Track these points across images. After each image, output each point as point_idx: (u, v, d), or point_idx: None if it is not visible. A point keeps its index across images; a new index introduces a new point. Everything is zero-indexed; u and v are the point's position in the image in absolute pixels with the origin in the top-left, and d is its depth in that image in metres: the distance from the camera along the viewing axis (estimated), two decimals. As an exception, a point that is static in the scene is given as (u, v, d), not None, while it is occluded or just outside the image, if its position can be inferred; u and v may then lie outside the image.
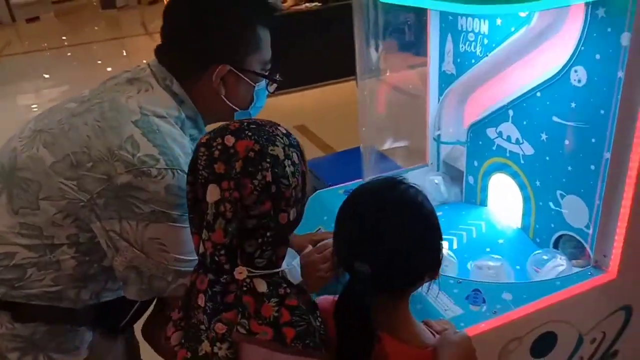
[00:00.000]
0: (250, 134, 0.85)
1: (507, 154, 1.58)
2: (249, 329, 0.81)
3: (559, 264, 1.35)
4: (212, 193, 0.83)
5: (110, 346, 1.27)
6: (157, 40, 1.22)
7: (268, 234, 0.84)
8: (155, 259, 1.08)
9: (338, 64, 4.81)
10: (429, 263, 0.93)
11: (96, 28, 10.32)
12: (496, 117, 1.58)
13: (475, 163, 1.73)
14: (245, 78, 1.18)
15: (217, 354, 0.83)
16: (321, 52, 5.16)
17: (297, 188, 0.87)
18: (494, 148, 1.63)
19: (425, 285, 0.99)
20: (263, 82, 1.22)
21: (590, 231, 1.34)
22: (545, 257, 1.38)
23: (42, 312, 1.13)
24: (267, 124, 0.90)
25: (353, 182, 1.81)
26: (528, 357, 1.29)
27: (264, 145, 0.84)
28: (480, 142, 1.68)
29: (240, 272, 0.84)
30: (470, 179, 1.78)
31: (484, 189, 1.73)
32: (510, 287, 1.29)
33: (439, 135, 1.84)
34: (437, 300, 1.26)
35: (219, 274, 0.85)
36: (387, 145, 1.79)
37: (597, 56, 1.22)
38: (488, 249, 1.55)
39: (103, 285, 1.18)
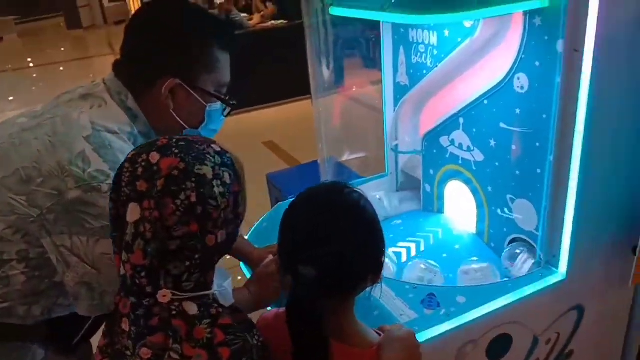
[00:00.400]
0: (177, 151, 0.82)
1: (460, 161, 1.61)
2: (181, 354, 0.79)
3: (483, 269, 1.39)
4: (133, 212, 0.80)
5: None
6: None
7: (196, 256, 0.81)
8: (107, 275, 1.07)
9: (307, 80, 4.87)
10: (371, 266, 0.95)
11: (62, 49, 10.21)
12: (448, 125, 1.62)
13: (431, 171, 1.77)
14: (196, 95, 1.18)
15: None
16: (290, 68, 5.19)
17: (228, 209, 0.84)
18: (447, 156, 1.66)
19: (379, 288, 1.00)
20: (218, 105, 1.23)
21: (540, 233, 1.37)
22: (474, 266, 1.41)
23: None
24: (199, 141, 0.86)
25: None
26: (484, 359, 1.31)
27: (189, 163, 0.80)
28: (435, 151, 1.71)
29: (164, 296, 0.81)
30: (427, 187, 1.81)
31: (440, 196, 1.76)
32: (464, 290, 1.31)
33: (396, 145, 1.87)
34: (393, 306, 1.27)
35: (141, 297, 0.82)
36: (346, 156, 1.81)
37: (537, 63, 1.26)
38: (445, 255, 1.58)
39: (54, 301, 1.16)
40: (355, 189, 0.97)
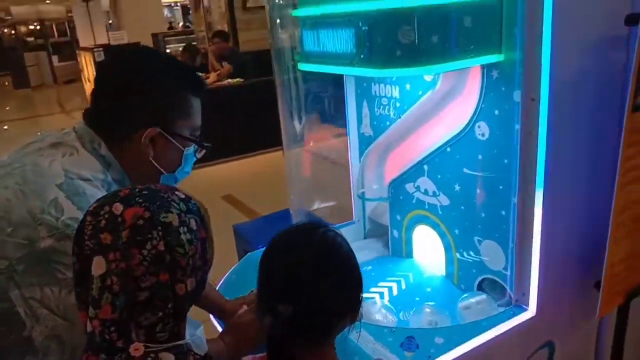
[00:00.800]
0: (141, 200, 0.81)
1: (426, 206, 1.68)
2: None
3: (482, 300, 1.43)
4: (98, 265, 0.78)
5: None
6: (76, 118, 1.22)
7: (169, 305, 0.80)
8: (79, 326, 1.03)
9: (263, 135, 4.95)
10: (350, 304, 0.96)
11: (7, 108, 9.95)
12: (413, 172, 1.69)
13: (398, 217, 1.82)
14: (175, 142, 1.20)
15: None
16: (245, 124, 5.29)
17: (196, 256, 0.83)
18: (413, 202, 1.72)
19: (357, 327, 1.01)
20: (191, 148, 1.25)
21: (508, 272, 1.43)
22: (472, 300, 1.45)
23: None
24: (162, 189, 0.86)
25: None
26: (464, 400, 1.33)
27: (155, 212, 0.80)
28: (401, 197, 1.77)
29: (137, 349, 0.79)
30: (395, 233, 1.86)
31: (409, 241, 1.81)
32: (441, 331, 1.33)
33: (362, 193, 1.92)
34: (373, 350, 1.28)
35: (112, 353, 0.80)
36: (316, 205, 1.84)
37: (496, 112, 1.35)
38: (417, 298, 1.61)
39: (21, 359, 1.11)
40: (331, 228, 1.00)
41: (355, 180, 1.94)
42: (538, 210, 1.30)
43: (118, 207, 0.81)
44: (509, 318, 1.38)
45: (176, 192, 0.87)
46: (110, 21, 11.83)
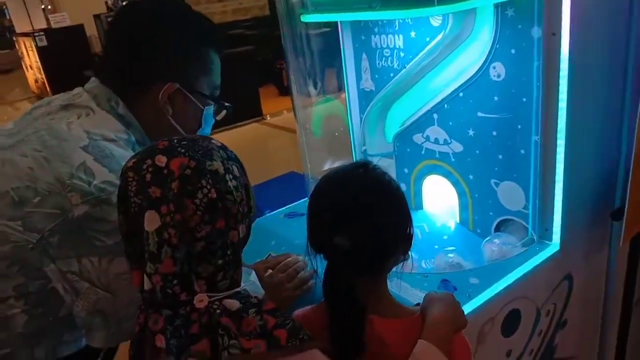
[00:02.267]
0: (183, 150, 0.79)
1: (437, 155, 1.68)
2: (241, 347, 0.76)
3: (506, 241, 1.45)
4: (151, 220, 0.76)
5: None
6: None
7: (228, 252, 0.79)
8: (124, 298, 0.99)
9: (241, 108, 4.86)
10: (401, 237, 0.97)
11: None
12: (421, 123, 1.68)
13: (406, 170, 1.82)
14: (194, 99, 1.14)
15: None
16: (224, 97, 5.21)
17: (243, 202, 0.82)
18: (422, 152, 1.72)
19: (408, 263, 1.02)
20: (211, 108, 1.19)
21: (530, 211, 1.46)
22: (496, 241, 1.47)
23: None
24: (199, 139, 0.84)
25: (292, 204, 1.81)
26: (500, 337, 1.35)
27: (200, 160, 0.78)
28: (408, 149, 1.77)
29: (201, 300, 0.77)
30: (403, 187, 1.85)
31: (418, 193, 1.81)
32: (475, 272, 1.35)
33: (365, 150, 1.91)
34: (413, 296, 1.28)
35: (175, 307, 0.77)
36: (327, 166, 1.82)
37: (513, 51, 1.36)
38: (436, 246, 1.62)
39: (59, 339, 1.05)
40: (377, 166, 1.00)
41: (356, 137, 1.92)
42: (561, 144, 1.32)
43: (161, 159, 0.78)
44: (536, 254, 1.41)
45: (212, 141, 0.86)
46: (44, 6, 11.23)
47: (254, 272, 0.99)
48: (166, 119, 1.13)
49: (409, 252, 1.00)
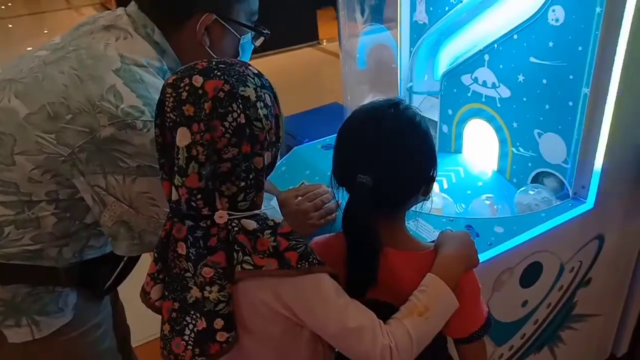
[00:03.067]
0: (219, 73, 0.81)
1: (483, 99, 1.63)
2: (254, 264, 0.81)
3: (542, 192, 1.43)
4: (183, 136, 0.79)
5: (95, 308, 1.23)
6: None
7: (251, 176, 0.82)
8: (146, 214, 1.05)
9: (295, 30, 4.79)
10: (424, 178, 0.97)
11: (9, 4, 9.58)
12: (471, 63, 1.62)
13: (450, 111, 1.78)
14: (231, 29, 1.13)
15: (208, 298, 0.82)
16: (278, 18, 5.07)
17: (271, 131, 0.85)
18: (469, 94, 1.67)
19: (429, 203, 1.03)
20: (249, 35, 1.18)
21: (569, 165, 1.41)
22: (532, 192, 1.45)
23: (22, 273, 1.08)
24: (237, 63, 0.85)
25: (330, 136, 1.82)
26: (517, 287, 1.36)
27: (234, 85, 0.80)
28: (455, 90, 1.72)
29: (221, 217, 0.82)
30: (445, 128, 1.82)
31: (459, 136, 1.78)
32: (501, 221, 1.34)
33: (411, 87, 1.87)
34: (434, 237, 1.30)
35: (197, 219, 0.82)
36: (368, 99, 1.80)
37: (575, -6, 1.27)
38: (469, 192, 1.61)
39: (85, 243, 1.14)
40: (410, 106, 0.99)
41: (404, 73, 1.87)
42: (611, 101, 1.25)
43: (198, 80, 0.80)
44: (568, 210, 1.38)
45: (249, 67, 0.86)
46: None
47: (275, 199, 1.02)
48: (203, 49, 1.12)
49: (430, 194, 1.00)
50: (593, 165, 1.34)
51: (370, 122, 0.95)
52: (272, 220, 0.86)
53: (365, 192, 0.90)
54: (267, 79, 0.88)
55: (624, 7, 1.15)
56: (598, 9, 1.21)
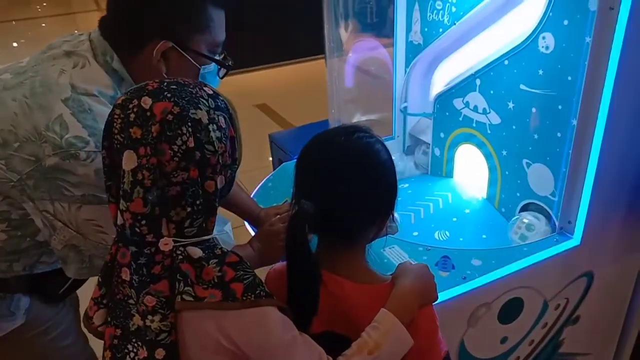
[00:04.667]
0: (169, 95, 0.78)
1: (474, 124, 1.58)
2: (195, 295, 0.78)
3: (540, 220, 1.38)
4: (129, 160, 0.77)
5: (52, 309, 1.23)
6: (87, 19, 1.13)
7: (197, 202, 0.79)
8: (93, 240, 1.05)
9: (301, 42, 4.76)
10: (376, 211, 0.92)
11: (44, 4, 9.82)
12: (463, 87, 1.57)
13: (442, 134, 1.73)
14: (190, 58, 1.10)
15: (149, 327, 0.79)
16: (284, 30, 5.08)
17: (225, 154, 0.82)
18: (460, 119, 1.62)
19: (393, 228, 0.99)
20: (212, 66, 1.15)
21: (556, 198, 1.36)
22: (525, 221, 1.39)
23: None
24: (190, 84, 0.82)
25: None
26: (495, 323, 1.31)
27: (184, 107, 0.77)
28: (447, 113, 1.67)
29: (166, 244, 0.79)
30: (437, 151, 1.77)
31: (450, 160, 1.73)
32: (480, 253, 1.29)
33: (405, 107, 1.83)
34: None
35: (142, 246, 0.80)
36: (356, 119, 1.76)
37: (565, 22, 1.21)
38: (455, 219, 1.55)
39: (37, 259, 1.14)
40: (371, 133, 0.94)
41: (399, 93, 1.83)
42: (599, 134, 1.20)
43: (147, 101, 0.78)
44: (552, 245, 1.32)
45: (204, 88, 0.83)
46: None
47: (229, 223, 1.00)
48: (161, 76, 1.10)
49: (387, 229, 0.96)
50: (580, 200, 1.28)
51: (320, 150, 0.92)
52: (220, 249, 0.83)
53: (303, 218, 0.86)
54: (223, 100, 0.85)
55: (612, 37, 1.10)
56: (588, 39, 1.16)
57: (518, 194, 1.49)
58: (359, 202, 0.89)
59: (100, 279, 0.88)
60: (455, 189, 1.70)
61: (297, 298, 0.90)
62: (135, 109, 0.77)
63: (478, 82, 1.52)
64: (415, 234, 1.51)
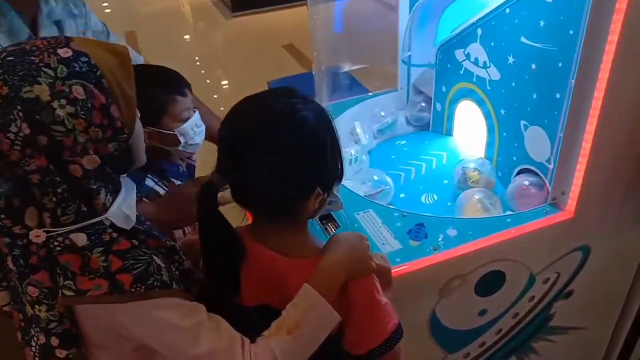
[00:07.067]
0: (0, 71, 0.66)
1: (474, 79, 1.44)
2: (76, 289, 0.71)
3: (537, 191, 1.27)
4: None
5: None
6: None
7: (59, 189, 0.70)
8: None
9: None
10: (298, 185, 0.82)
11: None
12: (465, 36, 1.43)
13: (443, 88, 1.60)
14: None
15: (39, 316, 0.75)
16: None
17: (91, 129, 0.69)
18: (461, 72, 1.49)
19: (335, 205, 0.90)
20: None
21: (551, 165, 1.23)
22: (526, 183, 1.29)
23: None
24: (36, 51, 0.68)
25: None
26: (472, 295, 1.23)
27: (14, 86, 0.65)
28: (449, 65, 1.54)
29: (37, 236, 0.71)
30: (438, 106, 1.65)
31: (450, 117, 1.61)
32: (457, 222, 1.20)
33: (408, 57, 1.69)
34: (377, 233, 1.18)
35: (14, 238, 0.73)
36: (347, 67, 1.64)
37: (571, -36, 1.06)
38: (446, 181, 1.46)
39: None
40: (308, 98, 0.83)
41: (402, 39, 1.69)
42: (599, 95, 1.06)
43: None
44: (541, 216, 1.21)
45: (58, 50, 0.69)
46: None
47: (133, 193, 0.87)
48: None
49: (326, 202, 0.86)
50: (575, 169, 1.16)
51: (231, 118, 0.82)
52: (110, 233, 0.74)
53: (211, 191, 0.80)
54: (86, 62, 0.70)
55: (618, -14, 0.94)
56: (592, -15, 1.00)
57: (514, 158, 1.37)
58: (271, 175, 0.79)
59: None
60: (453, 148, 1.58)
61: (214, 273, 0.85)
62: None
63: (479, 31, 1.37)
64: (402, 195, 1.43)
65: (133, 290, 0.72)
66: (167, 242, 0.82)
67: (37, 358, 0.78)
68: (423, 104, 1.70)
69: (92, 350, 0.79)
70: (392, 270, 0.99)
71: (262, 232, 0.87)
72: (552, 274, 1.31)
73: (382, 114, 1.67)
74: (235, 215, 0.87)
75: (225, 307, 0.85)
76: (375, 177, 1.37)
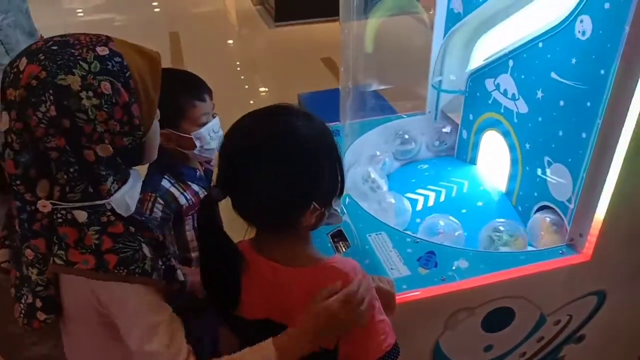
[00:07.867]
0: (42, 57, 0.73)
1: (502, 110, 1.43)
2: (66, 260, 0.77)
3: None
4: (3, 121, 0.75)
5: None
6: None
7: (71, 169, 0.76)
8: None
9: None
10: (295, 199, 0.82)
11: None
12: (496, 67, 1.42)
13: (471, 116, 1.59)
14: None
15: (30, 278, 0.81)
16: None
17: (110, 122, 0.75)
18: (490, 102, 1.47)
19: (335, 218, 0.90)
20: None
21: (572, 205, 1.20)
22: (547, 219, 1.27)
23: None
24: (77, 45, 0.75)
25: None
26: (478, 330, 1.20)
27: (51, 72, 0.72)
28: (478, 94, 1.53)
29: (44, 206, 0.78)
30: (464, 134, 1.63)
31: (476, 145, 1.59)
32: (469, 254, 1.18)
33: (439, 82, 1.68)
34: (387, 257, 1.18)
35: (23, 202, 0.79)
36: (374, 86, 1.64)
37: (607, 5, 1.04)
38: (464, 211, 1.43)
39: None
40: (308, 115, 0.83)
41: (433, 65, 1.69)
42: (625, 137, 1.03)
43: (23, 62, 0.74)
44: (556, 257, 1.18)
45: (97, 48, 0.75)
46: None
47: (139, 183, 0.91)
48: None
49: (326, 214, 0.86)
50: (595, 210, 1.13)
51: (231, 134, 0.84)
52: (108, 216, 0.79)
53: (209, 204, 0.84)
54: (120, 62, 0.76)
55: (653, 30, 0.92)
56: (627, 28, 0.98)
57: (536, 194, 1.34)
58: (265, 189, 0.80)
59: (5, 222, 0.88)
60: (475, 177, 1.56)
61: (214, 286, 0.86)
62: (14, 70, 0.75)
63: (511, 63, 1.36)
64: (418, 220, 1.41)
65: (115, 271, 0.77)
66: (160, 237, 0.85)
67: (22, 314, 0.83)
68: (448, 130, 1.68)
69: (65, 320, 0.85)
70: (397, 297, 0.99)
71: (264, 244, 0.88)
72: (564, 316, 1.27)
73: (406, 136, 1.66)
74: (240, 225, 0.87)
75: (225, 319, 0.86)
76: (393, 200, 1.36)
